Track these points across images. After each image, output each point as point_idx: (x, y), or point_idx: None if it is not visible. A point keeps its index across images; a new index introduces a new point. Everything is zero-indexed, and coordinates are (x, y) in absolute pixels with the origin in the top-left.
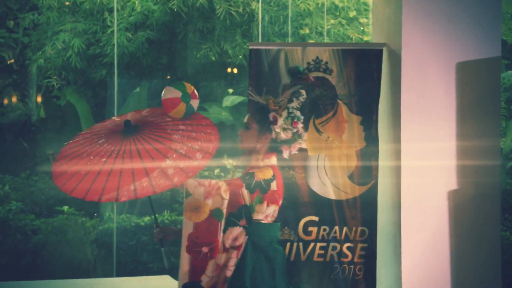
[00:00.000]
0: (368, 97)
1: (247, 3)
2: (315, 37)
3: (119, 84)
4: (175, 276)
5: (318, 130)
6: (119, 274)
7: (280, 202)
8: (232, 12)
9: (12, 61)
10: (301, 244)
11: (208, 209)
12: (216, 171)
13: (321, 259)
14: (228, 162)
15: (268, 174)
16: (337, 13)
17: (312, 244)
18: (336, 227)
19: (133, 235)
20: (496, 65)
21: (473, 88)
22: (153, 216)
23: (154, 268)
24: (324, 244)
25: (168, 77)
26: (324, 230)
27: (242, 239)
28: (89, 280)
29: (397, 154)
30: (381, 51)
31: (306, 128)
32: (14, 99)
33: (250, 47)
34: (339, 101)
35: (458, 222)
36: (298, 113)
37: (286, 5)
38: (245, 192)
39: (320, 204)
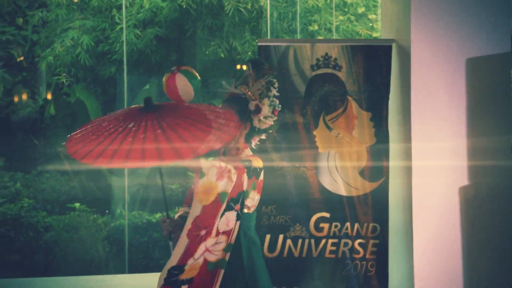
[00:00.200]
0: (378, 93)
1: None
2: (324, 33)
3: (128, 81)
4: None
5: (328, 127)
6: (131, 271)
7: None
8: (241, 8)
9: (22, 58)
10: (312, 240)
11: (217, 191)
12: None
13: (333, 256)
14: None
15: (261, 163)
16: (346, 9)
17: (323, 241)
18: (348, 224)
19: (144, 232)
20: (506, 61)
21: (483, 84)
22: (165, 213)
23: (165, 265)
24: (335, 240)
25: None
26: (336, 226)
27: (233, 224)
28: (101, 276)
29: (407, 151)
30: (390, 47)
31: (316, 124)
32: (24, 97)
33: (259, 44)
34: (349, 98)
35: (470, 219)
36: (277, 102)
37: (295, 1)
38: (245, 178)
39: (331, 201)
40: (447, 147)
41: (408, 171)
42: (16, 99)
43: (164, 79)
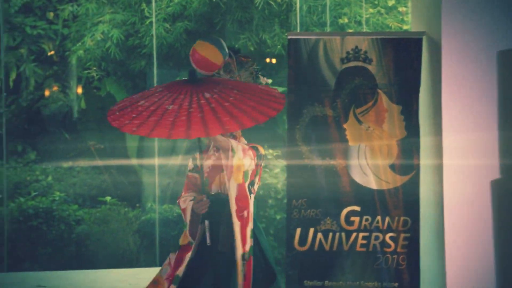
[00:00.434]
0: (408, 87)
1: None
2: (354, 26)
3: (158, 74)
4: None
5: (358, 120)
6: (161, 264)
7: None
8: (271, 1)
9: (52, 52)
10: (343, 234)
11: (243, 170)
12: None
13: (363, 249)
14: (269, 152)
15: (263, 150)
16: (376, 2)
17: (354, 234)
18: (379, 217)
19: (175, 225)
20: None
21: None
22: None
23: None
24: (366, 234)
25: None
26: (366, 220)
27: (252, 209)
28: (131, 270)
29: (438, 144)
30: (420, 40)
31: (346, 118)
32: (55, 90)
33: (289, 37)
34: (379, 91)
35: (503, 213)
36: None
37: None
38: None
39: (361, 194)
40: (478, 141)
41: (439, 165)
42: (47, 93)
43: (192, 57)
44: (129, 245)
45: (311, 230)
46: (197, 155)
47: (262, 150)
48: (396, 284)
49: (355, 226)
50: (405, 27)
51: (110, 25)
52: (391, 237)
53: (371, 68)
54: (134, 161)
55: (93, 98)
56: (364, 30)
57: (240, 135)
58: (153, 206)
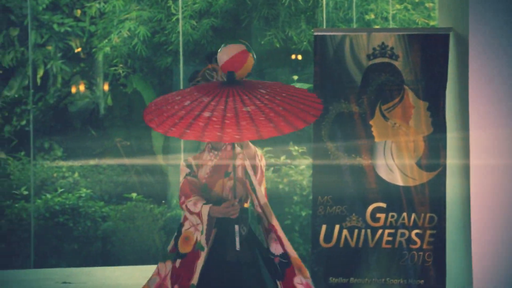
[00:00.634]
0: (435, 83)
1: None
2: (381, 22)
3: (185, 71)
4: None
5: (384, 116)
6: None
7: None
8: None
9: (79, 49)
10: (369, 230)
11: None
12: (282, 157)
13: (389, 246)
14: (294, 149)
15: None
16: None
17: (380, 231)
18: (404, 214)
19: None
20: None
21: None
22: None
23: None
24: (392, 230)
25: None
26: (392, 216)
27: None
28: None
29: (464, 141)
30: (447, 36)
31: (372, 114)
32: (82, 88)
33: (315, 33)
34: (406, 87)
35: None
36: None
37: None
38: None
39: (387, 191)
40: (505, 138)
41: (465, 162)
42: (74, 90)
43: (235, 51)
44: (155, 242)
45: (337, 227)
46: (190, 159)
47: None
48: (422, 281)
49: (381, 223)
50: (431, 22)
51: (137, 22)
52: (417, 234)
53: (398, 64)
54: (160, 158)
55: (120, 95)
56: (391, 26)
57: None
58: (178, 203)
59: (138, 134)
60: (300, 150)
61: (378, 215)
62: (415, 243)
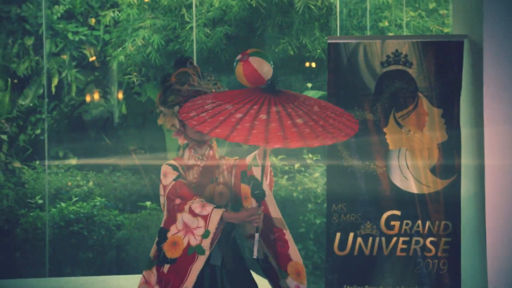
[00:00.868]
0: (449, 90)
1: None
2: (394, 29)
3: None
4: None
5: (398, 124)
6: None
7: None
8: (311, 5)
9: (94, 58)
10: (383, 238)
11: None
12: (297, 165)
13: (404, 254)
14: (308, 157)
15: None
16: (417, 5)
17: (394, 239)
18: (419, 221)
19: None
20: None
21: None
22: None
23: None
24: (407, 238)
25: None
26: (407, 224)
27: None
28: None
29: (479, 148)
30: (462, 43)
31: (386, 121)
32: (96, 96)
33: (329, 41)
34: (420, 94)
35: None
36: None
37: None
38: None
39: (402, 198)
40: None
41: (480, 169)
42: (88, 98)
43: (238, 69)
44: None
45: (351, 235)
46: (174, 161)
47: None
48: None
49: (396, 231)
50: (446, 30)
51: (151, 31)
52: (431, 242)
53: (412, 71)
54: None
55: (134, 104)
56: (405, 34)
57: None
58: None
59: (152, 142)
60: (314, 158)
61: (392, 222)
62: (429, 251)
